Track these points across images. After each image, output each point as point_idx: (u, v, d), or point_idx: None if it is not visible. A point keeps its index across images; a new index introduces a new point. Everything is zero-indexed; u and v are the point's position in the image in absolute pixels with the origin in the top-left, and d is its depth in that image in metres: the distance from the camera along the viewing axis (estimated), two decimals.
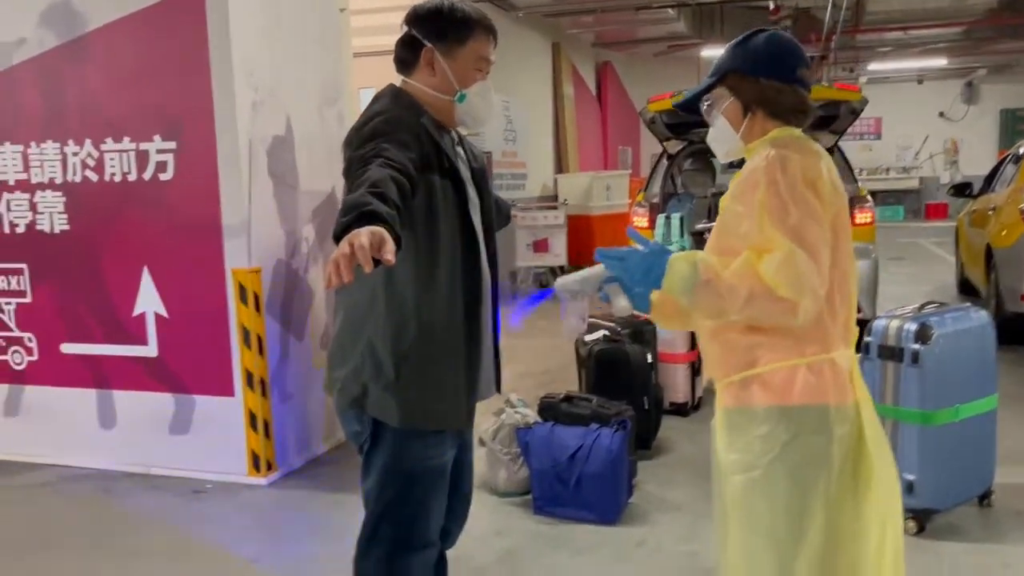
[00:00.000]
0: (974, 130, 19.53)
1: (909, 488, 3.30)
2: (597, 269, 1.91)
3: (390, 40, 2.23)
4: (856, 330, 1.87)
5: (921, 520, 3.36)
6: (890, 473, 1.81)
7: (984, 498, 3.58)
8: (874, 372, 3.41)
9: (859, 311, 6.24)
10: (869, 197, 6.44)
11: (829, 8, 11.28)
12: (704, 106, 1.94)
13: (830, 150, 6.46)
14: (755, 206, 1.69)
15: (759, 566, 1.77)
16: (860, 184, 6.49)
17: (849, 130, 6.81)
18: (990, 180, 7.98)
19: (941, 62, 17.26)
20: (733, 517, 1.82)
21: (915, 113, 19.68)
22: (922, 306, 3.49)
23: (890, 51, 15.79)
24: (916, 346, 3.27)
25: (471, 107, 2.15)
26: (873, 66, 17.51)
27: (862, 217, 6.19)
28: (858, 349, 3.55)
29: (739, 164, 1.95)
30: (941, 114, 19.96)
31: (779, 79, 1.84)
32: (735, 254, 1.69)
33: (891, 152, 20.28)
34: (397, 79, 2.20)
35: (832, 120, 6.49)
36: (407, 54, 2.14)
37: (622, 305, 1.83)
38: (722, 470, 1.85)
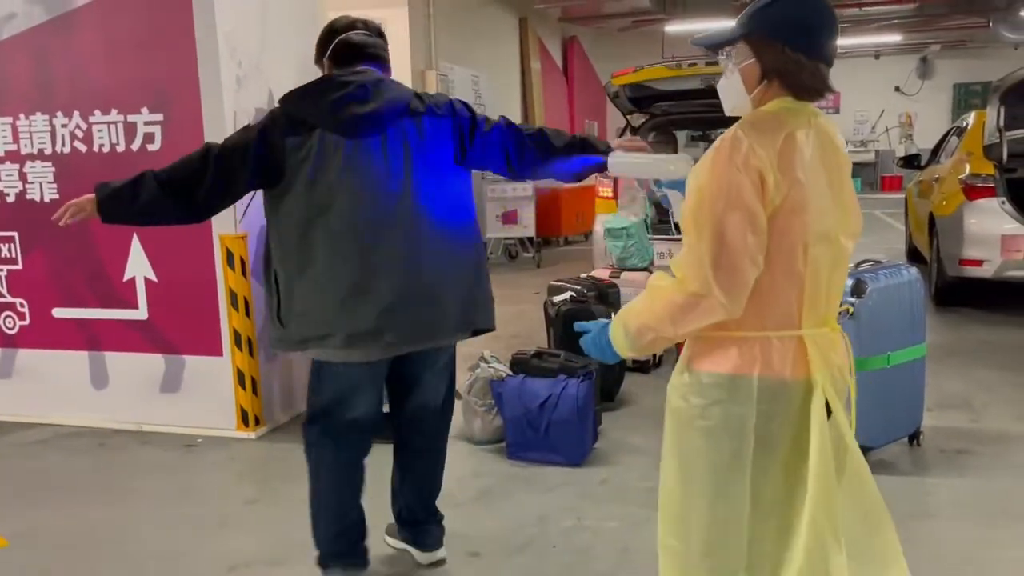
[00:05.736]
0: (928, 104, 20.13)
1: None
2: (654, 160, 2.32)
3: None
4: (824, 312, 1.80)
5: None
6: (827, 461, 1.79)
7: (913, 438, 3.95)
8: None
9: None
10: None
11: None
12: (723, 53, 1.82)
13: None
14: (694, 190, 1.70)
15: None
16: None
17: None
18: (936, 152, 8.39)
19: (896, 38, 17.74)
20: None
21: (872, 88, 20.19)
22: (858, 264, 3.83)
23: (848, 27, 16.18)
24: (852, 299, 3.61)
25: None
26: None
27: None
28: None
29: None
30: (897, 89, 20.53)
31: (805, 54, 1.71)
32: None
33: (849, 126, 20.81)
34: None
35: None
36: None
37: (678, 212, 1.97)
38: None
